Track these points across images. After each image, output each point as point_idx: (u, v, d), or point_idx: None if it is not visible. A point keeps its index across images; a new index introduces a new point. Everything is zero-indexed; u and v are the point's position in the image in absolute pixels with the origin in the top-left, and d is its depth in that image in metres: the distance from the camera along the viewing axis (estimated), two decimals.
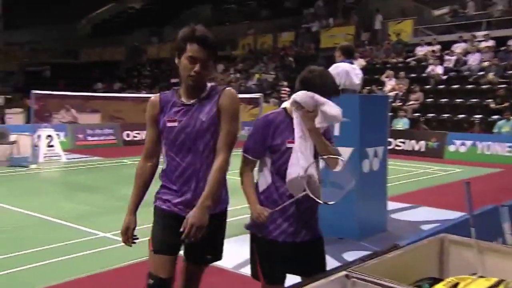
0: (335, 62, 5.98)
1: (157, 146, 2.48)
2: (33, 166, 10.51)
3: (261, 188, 2.60)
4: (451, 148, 13.06)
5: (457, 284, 2.30)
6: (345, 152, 5.54)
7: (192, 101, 2.36)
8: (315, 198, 2.41)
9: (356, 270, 2.06)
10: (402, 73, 16.68)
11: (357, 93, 5.89)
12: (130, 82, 25.71)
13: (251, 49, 24.16)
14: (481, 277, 2.44)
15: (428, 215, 6.84)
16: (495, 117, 13.49)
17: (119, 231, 5.82)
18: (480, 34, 17.06)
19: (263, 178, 2.59)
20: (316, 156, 2.54)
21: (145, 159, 2.50)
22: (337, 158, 2.59)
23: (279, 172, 2.50)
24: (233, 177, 2.64)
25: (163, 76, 25.00)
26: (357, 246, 5.25)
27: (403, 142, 13.89)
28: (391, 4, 21.15)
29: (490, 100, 14.12)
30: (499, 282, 2.28)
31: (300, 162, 2.42)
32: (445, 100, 15.41)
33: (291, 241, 2.51)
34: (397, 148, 13.81)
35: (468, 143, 12.84)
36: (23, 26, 32.93)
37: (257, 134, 2.53)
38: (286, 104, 2.65)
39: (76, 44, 33.33)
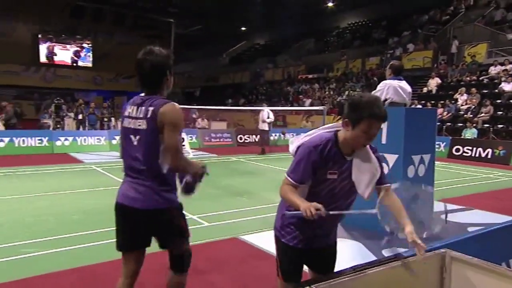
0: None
1: None
2: None
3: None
4: None
5: None
6: (391, 159, 4.97)
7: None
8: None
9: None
10: (473, 89, 15.19)
11: (406, 106, 5.24)
12: (251, 98, 26.21)
13: (344, 71, 23.40)
14: None
15: (478, 217, 5.89)
16: None
17: (204, 215, 5.79)
18: None
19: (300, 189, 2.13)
20: None
21: None
22: None
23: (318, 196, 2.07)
24: None
25: (275, 93, 25.39)
26: (400, 243, 4.60)
27: (471, 149, 12.43)
28: (468, 31, 19.30)
29: None
30: None
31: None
32: None
33: (309, 247, 2.20)
34: (464, 154, 12.50)
35: None
36: (183, 61, 35.41)
37: (305, 163, 2.04)
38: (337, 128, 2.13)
39: (216, 72, 35.17)
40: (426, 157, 5.18)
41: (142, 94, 2.37)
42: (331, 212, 1.93)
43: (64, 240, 4.62)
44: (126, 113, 2.35)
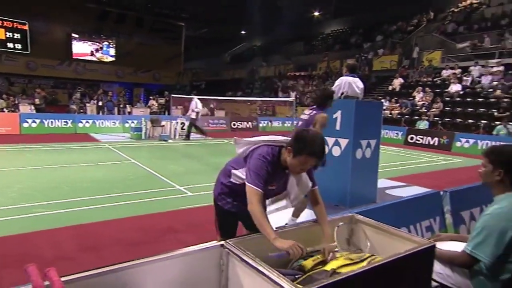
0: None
1: None
2: (170, 141, 11.01)
3: (231, 179, 2.13)
4: (458, 144, 11.39)
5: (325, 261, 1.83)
6: (343, 142, 4.98)
7: None
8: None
9: (232, 243, 1.70)
10: (428, 89, 15.09)
11: (357, 99, 5.19)
12: (247, 92, 26.02)
13: (326, 70, 23.16)
14: (360, 251, 1.94)
15: (412, 192, 5.88)
16: (497, 123, 11.52)
17: (189, 186, 5.81)
18: (493, 61, 14.83)
19: (239, 175, 2.08)
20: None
21: None
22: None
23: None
24: None
25: (268, 88, 25.27)
26: (347, 212, 4.65)
27: (422, 138, 12.43)
28: (427, 40, 19.20)
29: (494, 110, 12.17)
30: (367, 258, 1.78)
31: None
32: (460, 109, 13.54)
33: (241, 212, 2.14)
34: (417, 142, 12.48)
35: (471, 141, 11.14)
36: (192, 59, 35.27)
37: (265, 173, 1.91)
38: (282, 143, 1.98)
39: (220, 68, 34.77)
40: (373, 142, 5.15)
41: None
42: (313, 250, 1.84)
43: (71, 203, 4.67)
44: None
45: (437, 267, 2.03)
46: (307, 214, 3.94)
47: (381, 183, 5.89)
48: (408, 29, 21.67)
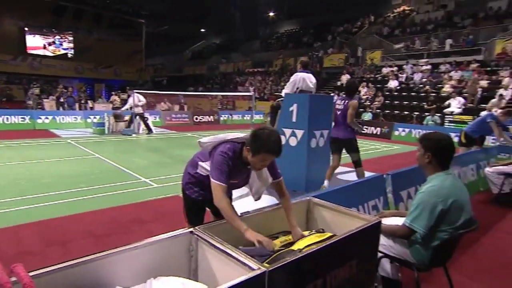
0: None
1: None
2: (134, 135, 10.54)
3: (198, 170, 2.12)
4: (396, 133, 12.08)
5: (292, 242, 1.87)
6: (299, 133, 5.09)
7: None
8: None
9: (201, 229, 1.69)
10: (371, 84, 15.83)
11: (311, 93, 5.31)
12: (208, 87, 25.61)
13: (281, 67, 23.42)
14: (322, 231, 2.00)
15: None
16: (426, 114, 12.43)
17: (154, 178, 5.62)
18: (422, 61, 15.94)
19: (205, 167, 2.07)
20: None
21: None
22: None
23: None
24: None
25: (228, 83, 25.06)
26: (304, 196, 4.78)
27: (367, 128, 12.99)
28: (368, 40, 20.12)
29: (424, 103, 13.11)
30: (329, 238, 1.84)
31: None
32: (397, 102, 14.37)
33: (207, 200, 2.10)
34: (362, 131, 12.99)
35: (407, 130, 11.89)
36: (155, 55, 34.14)
37: (226, 168, 1.89)
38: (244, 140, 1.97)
39: (181, 65, 33.85)
40: (325, 132, 5.29)
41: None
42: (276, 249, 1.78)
43: (33, 199, 4.34)
44: None
45: (382, 239, 2.16)
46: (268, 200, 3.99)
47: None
48: (353, 30, 22.54)
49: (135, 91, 10.66)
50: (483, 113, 10.80)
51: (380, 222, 1.92)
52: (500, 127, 6.01)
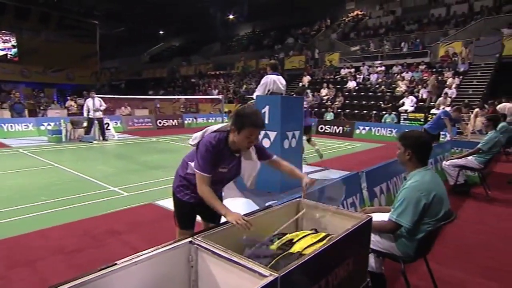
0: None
1: None
2: (94, 142, 9.95)
3: (188, 171, 2.08)
4: (357, 131, 12.66)
5: (291, 240, 1.88)
6: (272, 135, 5.12)
7: None
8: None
9: (200, 238, 1.63)
10: (331, 85, 16.40)
11: (281, 95, 5.36)
12: (169, 90, 24.97)
13: (243, 69, 23.50)
14: (315, 231, 2.02)
15: (330, 175, 6.37)
16: (384, 112, 13.14)
17: (124, 186, 5.34)
18: (377, 62, 16.97)
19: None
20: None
21: None
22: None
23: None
24: None
25: (189, 86, 24.64)
26: (278, 197, 4.80)
27: (330, 127, 13.46)
28: (326, 43, 20.89)
29: (381, 102, 13.85)
30: (325, 237, 1.86)
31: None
32: (356, 102, 15.06)
33: (198, 203, 2.08)
34: (326, 131, 13.48)
35: (367, 128, 12.50)
36: (110, 58, 32.60)
37: (210, 156, 1.91)
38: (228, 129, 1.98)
39: (140, 68, 32.67)
40: (296, 133, 5.37)
41: None
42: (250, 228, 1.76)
43: None
44: None
45: None
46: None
47: (303, 169, 6.23)
48: (312, 33, 23.26)
49: (94, 95, 10.03)
50: (435, 111, 11.74)
51: (371, 219, 1.98)
52: (452, 122, 6.53)
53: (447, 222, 2.14)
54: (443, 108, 11.53)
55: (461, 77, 13.68)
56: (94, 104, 9.88)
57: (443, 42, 15.69)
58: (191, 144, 2.10)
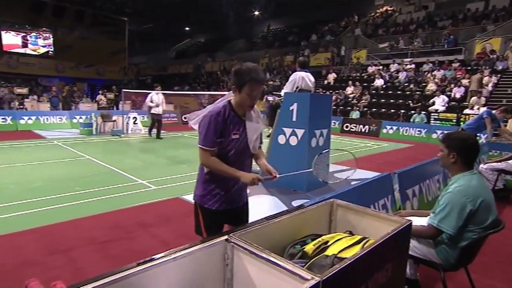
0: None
1: None
2: (123, 136, 10.22)
3: (205, 170, 1.96)
4: (384, 130, 12.28)
5: (326, 242, 1.82)
6: (299, 132, 5.03)
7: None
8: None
9: (236, 236, 1.59)
10: (357, 83, 15.96)
11: (310, 92, 5.27)
12: (194, 86, 25.28)
13: (267, 66, 23.39)
14: (350, 234, 1.94)
15: (358, 175, 6.15)
16: (412, 112, 12.67)
17: (151, 180, 5.45)
18: (407, 60, 16.28)
19: None
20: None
21: None
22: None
23: (226, 157, 1.88)
24: None
25: (213, 82, 24.84)
26: (304, 196, 4.73)
27: (355, 126, 13.15)
28: (353, 40, 20.29)
29: (409, 101, 13.35)
30: (361, 240, 1.78)
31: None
32: (383, 100, 14.57)
33: (228, 209, 2.02)
34: (351, 130, 13.19)
35: (395, 127, 12.10)
36: (138, 54, 33.42)
37: (213, 126, 1.82)
38: (229, 97, 1.93)
39: (166, 63, 33.29)
40: (325, 131, 5.28)
41: None
42: (266, 177, 1.87)
43: (23, 205, 4.09)
44: None
45: None
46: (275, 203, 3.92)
47: (330, 167, 6.10)
48: (338, 30, 22.74)
49: (159, 89, 9.66)
50: (469, 111, 11.18)
51: (411, 224, 1.88)
52: (493, 124, 6.18)
53: (495, 231, 2.00)
54: (478, 108, 10.97)
55: (499, 75, 12.93)
56: (159, 98, 9.58)
57: (480, 38, 14.87)
58: (193, 127, 1.99)
